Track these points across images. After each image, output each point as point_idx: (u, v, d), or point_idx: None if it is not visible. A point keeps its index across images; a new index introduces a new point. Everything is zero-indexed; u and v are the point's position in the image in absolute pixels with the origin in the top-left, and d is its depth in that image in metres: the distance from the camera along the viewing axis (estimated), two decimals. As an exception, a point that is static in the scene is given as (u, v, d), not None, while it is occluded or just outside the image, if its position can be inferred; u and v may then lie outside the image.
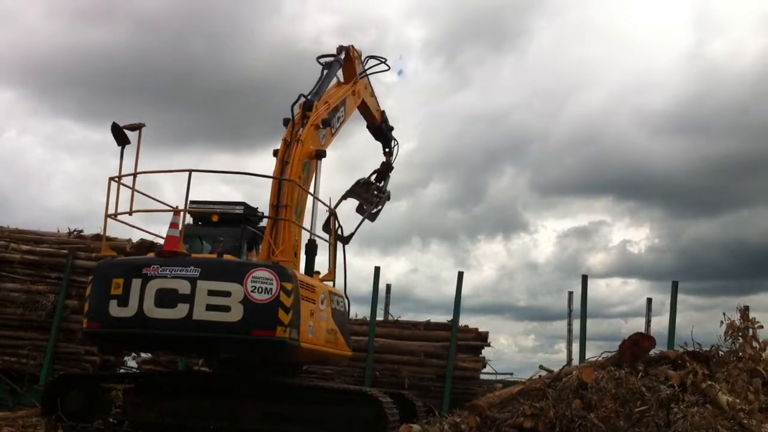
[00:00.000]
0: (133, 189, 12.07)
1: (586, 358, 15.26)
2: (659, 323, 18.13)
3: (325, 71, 14.35)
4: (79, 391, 12.96)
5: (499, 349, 30.18)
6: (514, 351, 34.50)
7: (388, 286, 19.03)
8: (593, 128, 49.22)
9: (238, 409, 12.18)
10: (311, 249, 13.01)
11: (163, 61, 44.44)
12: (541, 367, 14.11)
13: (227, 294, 10.80)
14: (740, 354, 10.75)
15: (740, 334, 11.00)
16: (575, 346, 18.20)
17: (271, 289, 10.83)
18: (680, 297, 17.80)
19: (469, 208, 56.14)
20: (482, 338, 17.87)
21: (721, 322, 11.20)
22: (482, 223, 55.64)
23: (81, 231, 18.90)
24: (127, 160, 12.10)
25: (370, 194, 16.61)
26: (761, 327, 11.17)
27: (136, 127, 12.11)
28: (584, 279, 18.18)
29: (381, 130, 17.21)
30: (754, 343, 10.92)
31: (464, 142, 53.45)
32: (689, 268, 45.86)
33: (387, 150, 17.47)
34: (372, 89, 16.59)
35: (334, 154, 14.38)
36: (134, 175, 12.08)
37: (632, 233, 56.63)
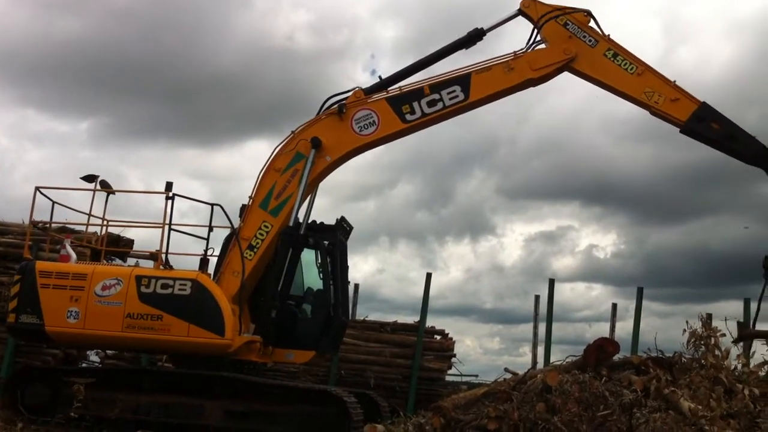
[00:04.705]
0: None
1: (551, 361, 15.32)
2: (623, 329, 18.21)
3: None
4: (40, 385, 12.83)
5: (464, 351, 30.15)
6: (479, 353, 34.49)
7: (356, 286, 18.92)
8: (561, 133, 49.39)
9: (200, 405, 12.11)
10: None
11: (131, 52, 43.66)
12: (506, 369, 14.21)
13: None
14: (702, 362, 10.87)
15: (703, 342, 11.13)
16: (540, 350, 18.25)
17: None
18: (644, 303, 17.88)
19: (437, 209, 56.06)
20: (448, 348, 17.85)
21: (684, 330, 11.34)
22: (450, 224, 55.55)
23: (46, 223, 18.60)
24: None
25: None
26: (723, 335, 11.31)
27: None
28: (551, 283, 18.27)
29: (705, 137, 12.30)
30: (716, 352, 11.05)
31: (433, 143, 53.35)
32: (653, 274, 46.08)
33: None
34: (637, 66, 12.54)
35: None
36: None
37: (599, 239, 56.99)
